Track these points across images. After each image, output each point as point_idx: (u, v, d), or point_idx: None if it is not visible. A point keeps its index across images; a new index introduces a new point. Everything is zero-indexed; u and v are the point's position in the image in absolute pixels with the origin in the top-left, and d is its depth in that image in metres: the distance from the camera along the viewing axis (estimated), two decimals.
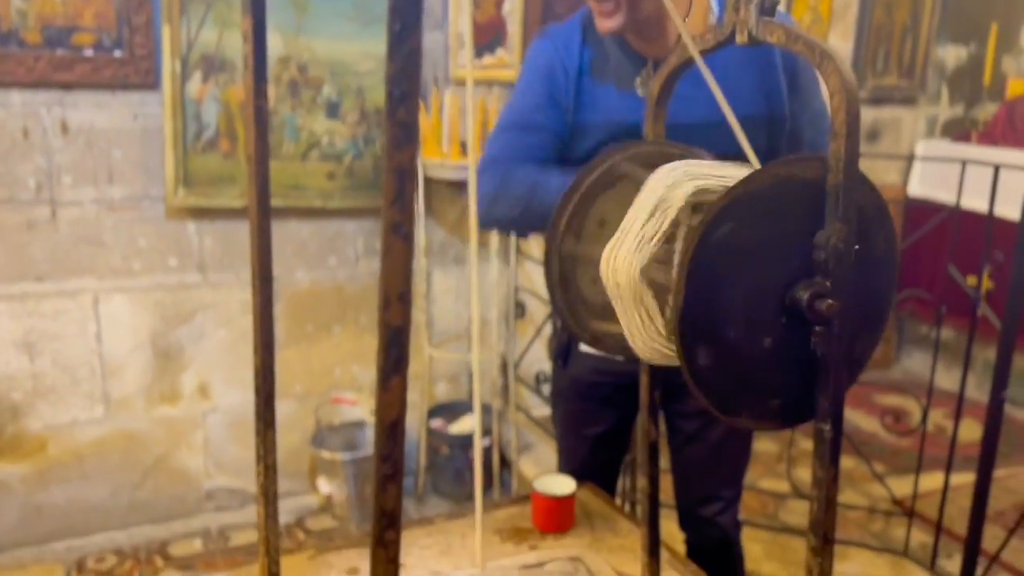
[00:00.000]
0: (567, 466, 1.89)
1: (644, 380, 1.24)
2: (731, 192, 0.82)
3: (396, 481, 0.64)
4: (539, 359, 2.93)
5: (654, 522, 1.27)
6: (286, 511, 2.81)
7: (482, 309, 2.90)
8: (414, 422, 2.94)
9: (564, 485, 1.56)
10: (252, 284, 1.18)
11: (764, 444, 3.09)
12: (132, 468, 2.65)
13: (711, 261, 0.82)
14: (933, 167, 3.64)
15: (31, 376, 2.46)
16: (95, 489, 2.60)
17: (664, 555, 1.44)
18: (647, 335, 1.05)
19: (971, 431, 2.42)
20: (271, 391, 1.23)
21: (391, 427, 0.63)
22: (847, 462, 2.83)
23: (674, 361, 0.95)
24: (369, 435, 2.88)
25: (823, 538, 0.96)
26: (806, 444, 2.94)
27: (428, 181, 2.73)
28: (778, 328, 0.87)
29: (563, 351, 1.78)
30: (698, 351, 0.85)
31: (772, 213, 0.84)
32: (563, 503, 1.54)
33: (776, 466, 2.91)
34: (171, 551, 2.59)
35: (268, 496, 1.26)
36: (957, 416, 2.19)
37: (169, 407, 2.66)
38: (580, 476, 1.74)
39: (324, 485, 2.74)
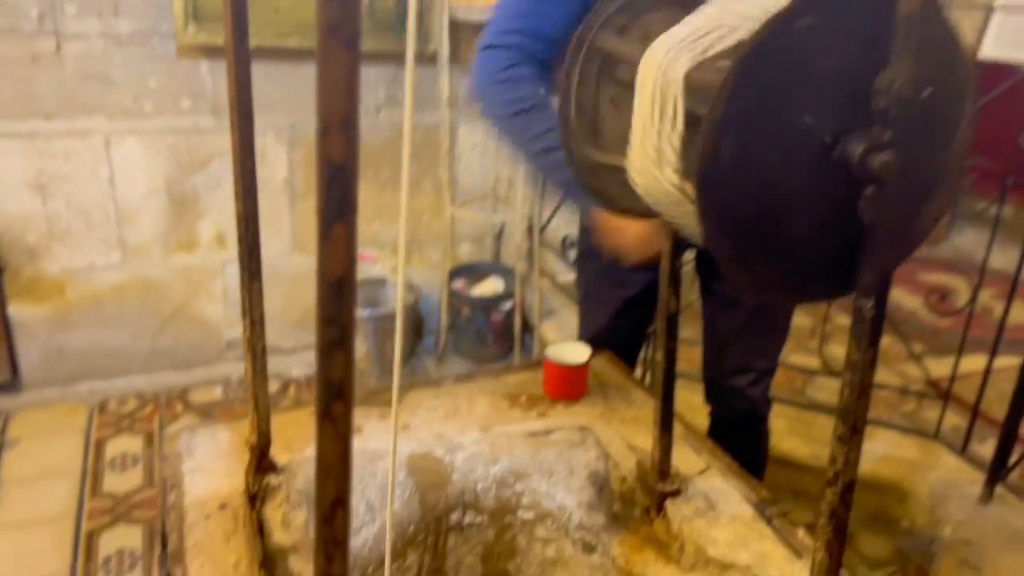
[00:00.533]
0: (588, 330, 1.81)
1: (667, 245, 1.12)
2: (772, 21, 0.67)
3: (344, 348, 0.54)
4: (566, 223, 2.81)
5: (668, 397, 1.19)
6: (307, 364, 2.80)
7: (508, 168, 2.77)
8: (436, 283, 2.87)
9: (578, 353, 1.48)
10: (231, 121, 1.07)
11: (796, 318, 2.97)
12: (151, 315, 2.63)
13: (743, 106, 0.68)
14: (1013, 23, 3.31)
15: (45, 218, 2.41)
16: (115, 334, 2.60)
17: (679, 430, 1.37)
18: (666, 183, 0.92)
19: (1020, 314, 2.28)
20: (255, 241, 1.13)
21: (336, 285, 0.52)
22: (882, 340, 2.72)
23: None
24: (390, 293, 2.82)
25: (852, 427, 0.86)
26: (841, 320, 2.82)
27: (454, 25, 2.53)
28: (821, 189, 0.74)
29: None
30: (725, 217, 0.73)
31: (822, 48, 0.69)
32: (575, 371, 1.46)
33: (808, 341, 2.81)
34: (191, 398, 2.61)
35: (255, 351, 1.19)
36: (1011, 295, 2.04)
37: (187, 255, 2.61)
38: (601, 342, 1.67)
39: None
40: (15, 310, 2.47)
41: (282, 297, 2.76)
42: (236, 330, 2.75)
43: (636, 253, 1.46)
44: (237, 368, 2.75)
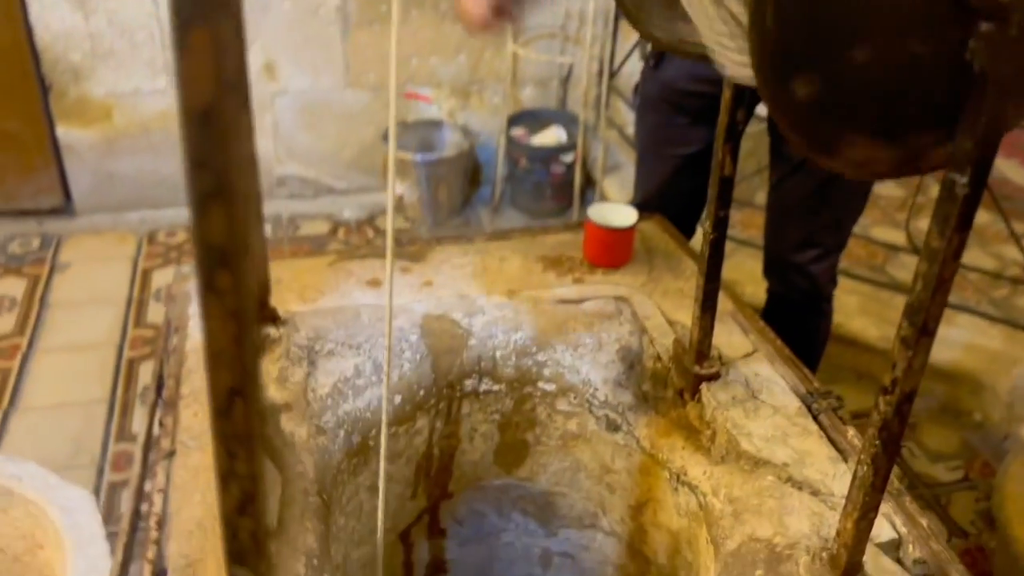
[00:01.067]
0: (643, 190, 1.65)
1: (727, 95, 0.94)
2: None
3: (224, 200, 0.41)
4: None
5: (713, 272, 1.04)
6: (358, 206, 2.71)
7: (579, 2, 2.51)
8: (494, 129, 2.69)
9: (624, 215, 1.33)
10: None
11: (886, 187, 2.72)
12: None
13: None
14: None
15: (88, 36, 2.30)
16: (164, 163, 2.55)
17: (728, 307, 1.23)
18: (733, 45, 0.75)
19: None
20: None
21: (203, 116, 0.39)
22: (979, 216, 2.46)
23: None
24: (446, 136, 2.67)
25: (921, 328, 0.71)
26: (937, 191, 2.56)
27: None
28: (919, 27, 0.55)
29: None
30: (795, 72, 0.56)
31: None
32: (619, 235, 1.32)
33: (896, 213, 2.57)
34: None
35: (250, 197, 1.07)
36: None
37: None
38: (656, 204, 1.52)
39: (396, 185, 2.60)
40: (63, 132, 2.42)
41: (335, 135, 2.64)
42: (286, 166, 2.66)
43: (471, 11, 1.14)
44: (288, 206, 2.69)
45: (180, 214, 2.60)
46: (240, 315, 0.44)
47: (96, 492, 1.64)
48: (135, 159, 2.51)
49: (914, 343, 0.71)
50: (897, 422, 0.75)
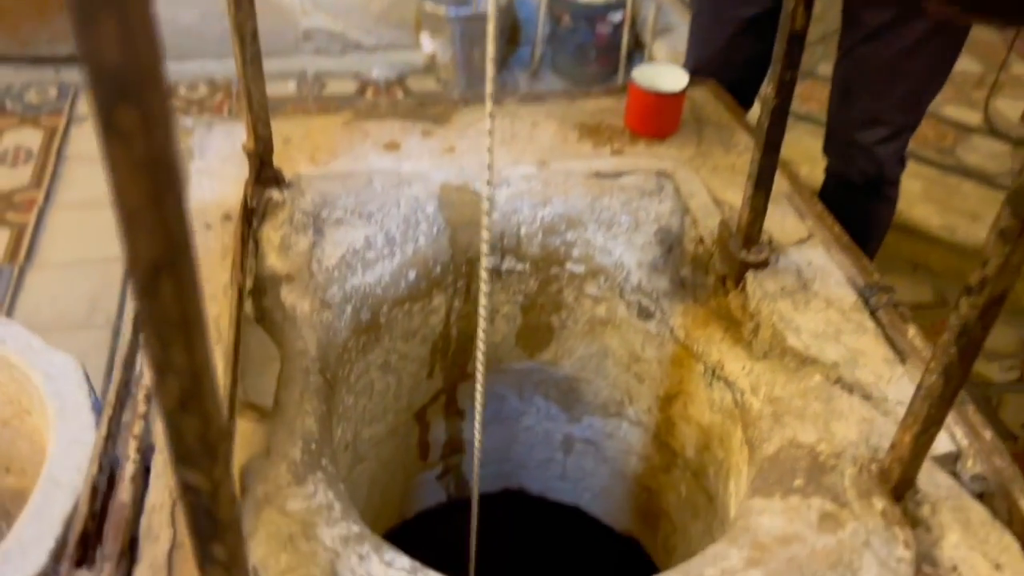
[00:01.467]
0: (697, 56, 1.50)
1: None
2: None
3: (114, 4, 0.30)
4: None
5: (772, 144, 0.91)
6: (387, 65, 2.55)
7: None
8: None
9: (674, 78, 1.19)
10: None
11: (961, 62, 2.47)
12: None
13: None
14: None
15: None
16: (184, 10, 2.39)
17: (784, 187, 1.11)
18: None
19: None
20: None
21: None
22: None
23: None
24: None
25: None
26: (1020, 68, 2.33)
27: None
28: None
29: None
30: None
31: None
32: (666, 101, 1.18)
33: (972, 91, 2.35)
34: None
35: (244, 35, 0.95)
36: None
37: None
38: (710, 70, 1.37)
39: (427, 43, 2.43)
40: None
41: None
42: (313, 18, 2.49)
43: None
44: (314, 61, 2.54)
45: (203, 67, 2.46)
46: (157, 165, 0.34)
47: (111, 354, 1.61)
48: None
49: (1015, 236, 0.59)
50: (980, 328, 0.64)
